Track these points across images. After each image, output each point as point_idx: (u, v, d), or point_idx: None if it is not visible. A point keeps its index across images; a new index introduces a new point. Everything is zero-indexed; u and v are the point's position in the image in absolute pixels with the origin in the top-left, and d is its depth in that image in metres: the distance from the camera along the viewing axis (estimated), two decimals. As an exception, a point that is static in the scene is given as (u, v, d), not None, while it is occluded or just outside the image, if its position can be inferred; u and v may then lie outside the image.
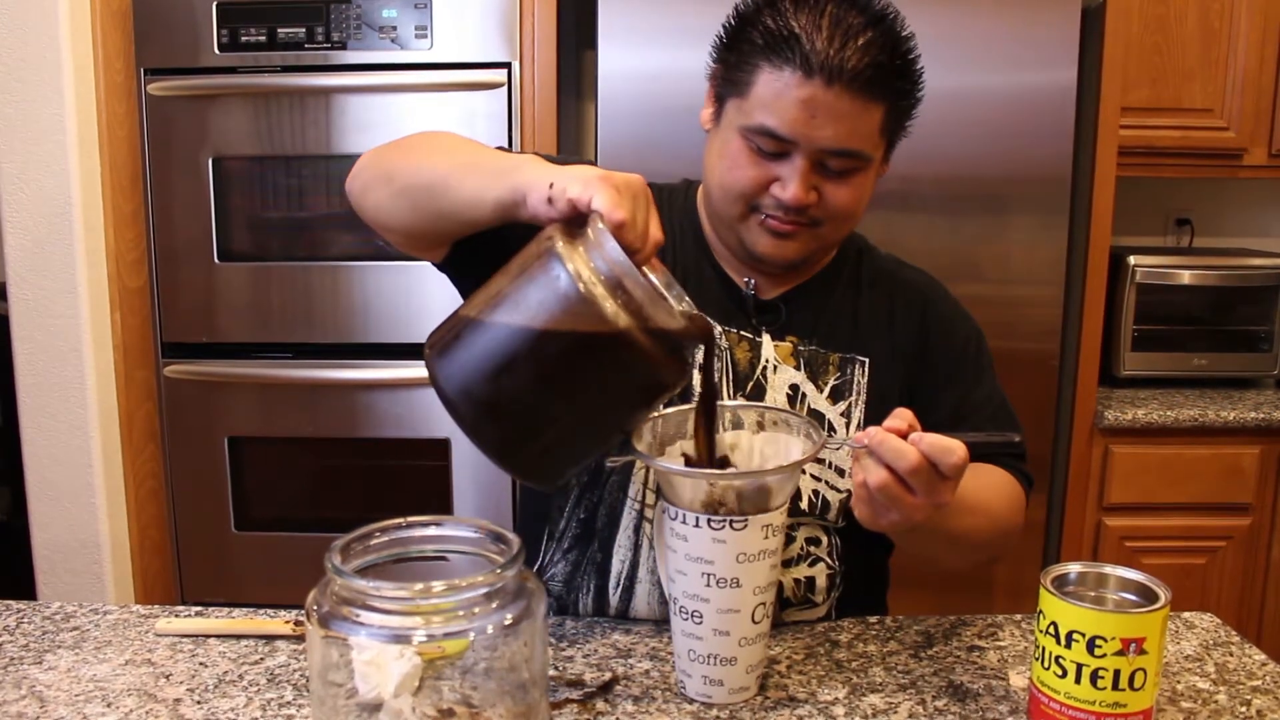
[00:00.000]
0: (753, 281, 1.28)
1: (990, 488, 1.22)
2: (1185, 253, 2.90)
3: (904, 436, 0.96)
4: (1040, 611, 0.95)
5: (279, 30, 2.35)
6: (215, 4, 2.35)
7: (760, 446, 1.08)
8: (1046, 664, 0.93)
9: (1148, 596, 0.94)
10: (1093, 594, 0.97)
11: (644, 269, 0.93)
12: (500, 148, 1.22)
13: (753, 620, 1.01)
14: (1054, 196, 2.31)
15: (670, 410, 1.11)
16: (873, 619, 1.24)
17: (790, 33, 1.10)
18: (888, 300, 1.32)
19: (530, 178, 0.97)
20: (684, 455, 1.08)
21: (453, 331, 0.93)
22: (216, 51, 2.37)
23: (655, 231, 0.96)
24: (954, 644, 1.18)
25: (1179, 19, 2.56)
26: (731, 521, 0.97)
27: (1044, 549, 2.50)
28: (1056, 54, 2.25)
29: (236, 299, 2.47)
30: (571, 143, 2.75)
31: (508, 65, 2.36)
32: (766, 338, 1.27)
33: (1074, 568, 0.98)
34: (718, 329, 1.26)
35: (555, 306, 0.88)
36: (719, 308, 1.27)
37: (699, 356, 1.07)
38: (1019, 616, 1.25)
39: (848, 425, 1.26)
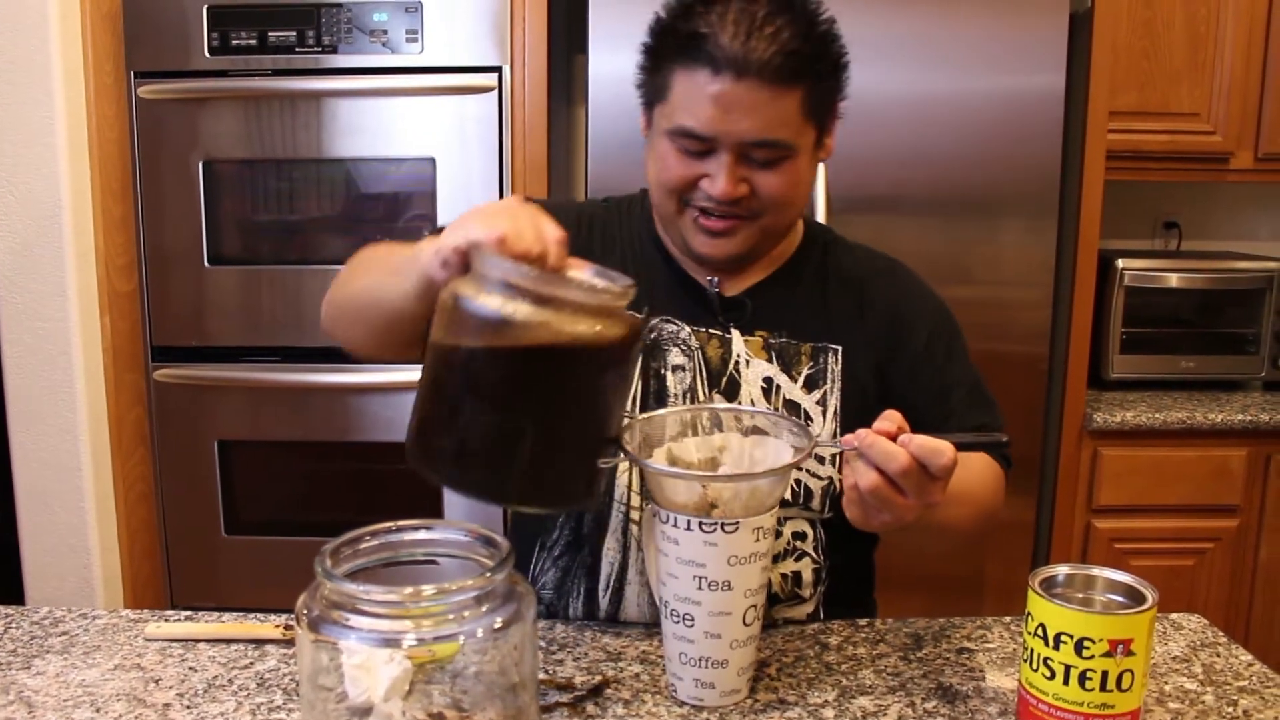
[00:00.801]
0: (716, 280, 1.29)
1: (973, 474, 1.23)
2: (1173, 256, 2.91)
3: (893, 438, 0.97)
4: (1029, 613, 0.95)
5: (270, 33, 2.35)
6: (206, 7, 2.35)
7: (750, 449, 1.08)
8: (1035, 665, 0.94)
9: (1135, 598, 0.94)
10: (1080, 596, 0.97)
11: (561, 268, 0.96)
12: (434, 231, 1.24)
13: (744, 623, 1.01)
14: (1043, 200, 2.32)
15: (661, 412, 1.11)
16: (862, 621, 1.25)
17: (698, 33, 1.13)
18: (856, 288, 1.33)
19: (425, 257, 1.01)
20: (671, 458, 1.08)
21: (412, 411, 0.98)
22: (207, 55, 2.37)
23: (551, 231, 0.98)
24: (943, 646, 1.18)
25: (1166, 24, 2.57)
26: (723, 524, 0.97)
27: (1033, 550, 2.50)
28: (1045, 58, 2.27)
29: (226, 303, 2.47)
30: (562, 147, 2.75)
31: (498, 69, 2.36)
32: (736, 334, 1.29)
33: (1062, 569, 0.99)
34: (686, 329, 1.28)
35: (470, 334, 0.91)
36: (685, 308, 1.29)
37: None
38: (1008, 618, 1.25)
39: (824, 414, 1.27)
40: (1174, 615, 1.26)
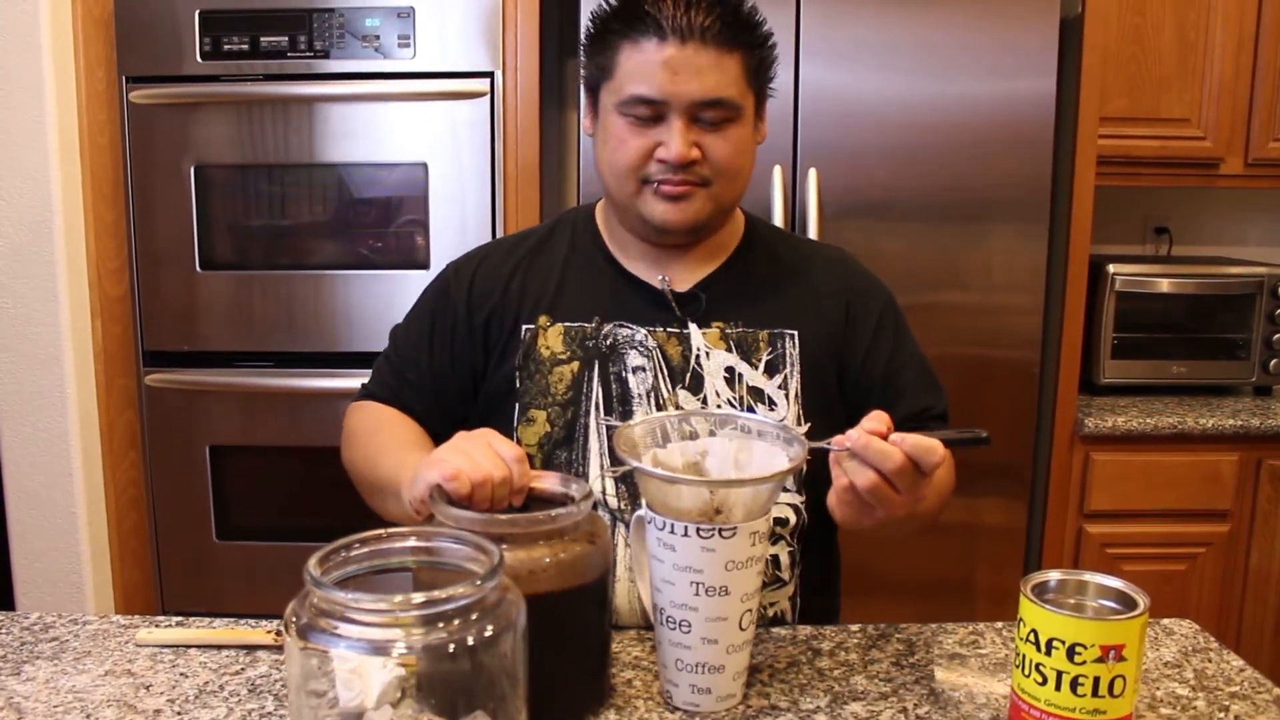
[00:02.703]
0: (666, 278, 1.33)
1: None
2: (1164, 261, 2.92)
3: (883, 438, 1.00)
4: (1020, 619, 0.95)
5: (262, 39, 2.35)
6: (198, 12, 2.34)
7: (735, 453, 1.09)
8: (1027, 671, 0.94)
9: (1127, 603, 0.95)
10: (1072, 601, 0.97)
11: (525, 485, 1.04)
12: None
13: (740, 627, 1.01)
14: (1034, 205, 2.33)
15: (656, 416, 1.12)
16: (854, 626, 1.25)
17: (640, 9, 1.22)
18: (806, 273, 1.38)
19: (405, 501, 1.11)
20: (657, 464, 1.08)
21: None
22: (199, 59, 2.37)
23: (508, 451, 1.04)
24: (935, 651, 1.18)
25: (1156, 30, 2.58)
26: (720, 530, 0.97)
27: (1025, 555, 2.51)
28: (1035, 64, 2.27)
29: (218, 307, 2.47)
30: (554, 152, 2.75)
31: (490, 74, 2.37)
32: (693, 328, 1.32)
33: (1054, 575, 0.99)
34: (641, 331, 1.32)
35: None
36: (640, 311, 1.33)
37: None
38: (1000, 624, 1.25)
39: (786, 397, 1.31)
40: (1165, 621, 1.27)
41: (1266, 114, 2.63)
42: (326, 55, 2.36)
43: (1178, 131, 2.63)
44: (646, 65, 1.21)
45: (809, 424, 1.31)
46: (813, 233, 2.22)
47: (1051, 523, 2.52)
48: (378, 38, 2.35)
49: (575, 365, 1.32)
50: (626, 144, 1.25)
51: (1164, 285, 2.67)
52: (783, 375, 1.32)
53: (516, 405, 1.33)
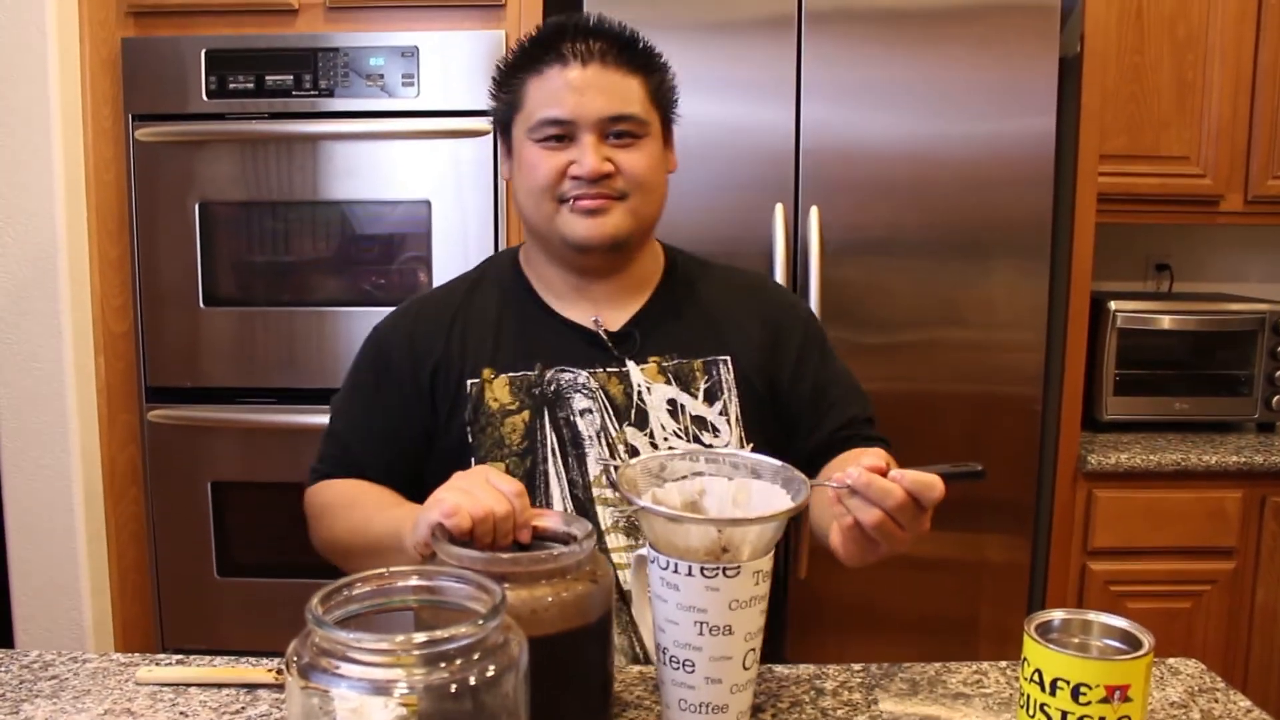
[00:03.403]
0: (598, 319, 1.37)
1: None
2: (1165, 298, 2.93)
3: (882, 474, 1.01)
4: (1024, 659, 0.95)
5: (267, 78, 2.37)
6: (204, 51, 2.37)
7: (733, 492, 1.08)
8: (1031, 711, 0.93)
9: (1131, 643, 0.94)
10: (1076, 641, 0.97)
11: (527, 521, 1.04)
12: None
13: (744, 666, 1.01)
14: (1035, 242, 2.33)
15: (659, 456, 1.11)
16: (857, 666, 1.24)
17: (542, 43, 1.32)
18: (730, 298, 1.43)
19: (408, 550, 1.09)
20: (655, 503, 1.08)
21: None
22: (205, 98, 2.39)
23: (508, 486, 1.04)
24: (939, 691, 1.17)
25: (1154, 69, 2.60)
26: (725, 569, 0.97)
27: (1029, 593, 2.49)
28: (1035, 102, 2.29)
29: (221, 344, 2.47)
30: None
31: (494, 113, 2.38)
32: (631, 365, 1.35)
33: (1057, 615, 0.99)
34: (582, 373, 1.34)
35: None
36: (578, 354, 1.35)
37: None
38: (1004, 663, 1.24)
39: (727, 422, 1.35)
40: (1171, 660, 1.26)
41: (1265, 152, 2.64)
42: (331, 94, 2.39)
43: (1177, 169, 2.65)
44: (553, 90, 1.29)
45: (751, 444, 1.34)
46: (814, 270, 2.23)
47: (1055, 560, 2.50)
48: (382, 76, 2.37)
49: (526, 414, 1.33)
50: (541, 168, 1.30)
51: (1166, 322, 2.67)
52: (722, 401, 1.35)
53: (473, 460, 1.33)
